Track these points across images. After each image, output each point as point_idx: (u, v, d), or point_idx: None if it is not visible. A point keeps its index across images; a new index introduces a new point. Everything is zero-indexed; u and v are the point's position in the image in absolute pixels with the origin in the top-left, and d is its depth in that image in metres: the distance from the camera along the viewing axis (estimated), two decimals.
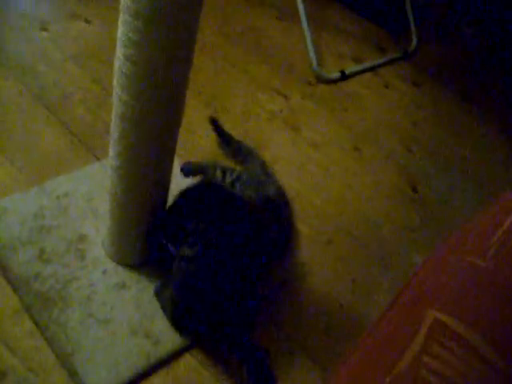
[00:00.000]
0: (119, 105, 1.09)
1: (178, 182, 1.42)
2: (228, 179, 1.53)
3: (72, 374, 1.18)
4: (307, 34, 2.30)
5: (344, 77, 2.34)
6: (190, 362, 1.28)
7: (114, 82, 1.09)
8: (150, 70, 1.02)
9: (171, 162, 1.25)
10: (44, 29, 2.05)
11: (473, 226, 0.92)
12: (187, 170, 1.65)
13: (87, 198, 1.49)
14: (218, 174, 1.56)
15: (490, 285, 0.75)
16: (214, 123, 1.80)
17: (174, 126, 1.17)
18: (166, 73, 1.04)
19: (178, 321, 1.29)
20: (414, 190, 1.95)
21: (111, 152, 1.19)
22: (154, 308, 1.32)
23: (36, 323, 1.24)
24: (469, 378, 0.63)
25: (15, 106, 1.72)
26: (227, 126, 1.87)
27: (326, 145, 1.99)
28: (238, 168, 1.67)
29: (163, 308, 1.31)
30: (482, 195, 2.00)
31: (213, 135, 1.82)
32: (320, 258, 1.61)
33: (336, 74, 2.32)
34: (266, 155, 1.83)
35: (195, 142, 1.81)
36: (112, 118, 1.14)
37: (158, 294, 1.33)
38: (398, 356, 0.65)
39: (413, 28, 2.73)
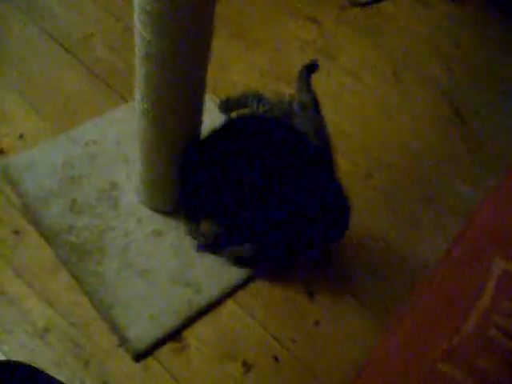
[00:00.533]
0: (142, 44, 1.01)
1: (214, 122, 1.34)
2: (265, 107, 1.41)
3: (113, 326, 1.16)
4: None
5: None
6: (232, 309, 1.25)
7: (135, 20, 1.00)
8: (172, 4, 0.93)
9: (202, 100, 1.18)
10: None
11: None
12: (225, 107, 1.54)
13: (116, 142, 1.43)
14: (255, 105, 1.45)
15: None
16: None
17: (202, 62, 1.09)
18: (191, 6, 0.94)
19: None
20: (458, 115, 1.83)
21: (137, 94, 1.12)
22: (193, 255, 1.27)
23: (74, 276, 1.21)
24: None
25: (34, 51, 1.64)
26: (259, 60, 1.77)
27: (362, 72, 1.87)
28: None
29: None
30: None
31: (246, 70, 1.72)
32: (360, 193, 1.53)
33: None
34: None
35: (229, 78, 1.72)
36: (136, 59, 1.06)
37: None
38: (465, 314, 0.59)
39: None
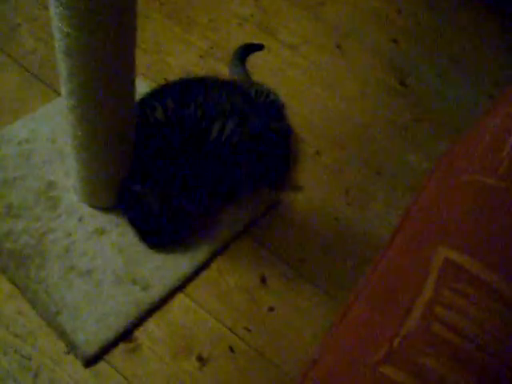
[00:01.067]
0: (61, 38, 0.95)
1: None
2: None
3: (60, 333, 1.11)
4: None
5: None
6: (184, 302, 1.21)
7: (52, 13, 0.94)
8: None
9: (132, 91, 1.12)
10: None
11: (476, 134, 0.80)
12: None
13: (51, 139, 1.36)
14: None
15: (504, 208, 0.65)
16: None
17: (128, 51, 1.03)
18: None
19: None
20: (403, 83, 1.82)
21: (63, 91, 1.06)
22: (138, 251, 1.23)
23: (15, 284, 1.16)
24: (488, 327, 0.54)
25: None
26: (195, 38, 1.71)
27: (304, 46, 1.83)
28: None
29: None
30: (475, 82, 1.87)
31: (183, 52, 1.67)
32: (309, 172, 1.51)
33: None
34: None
35: (165, 61, 1.65)
36: (56, 53, 1.00)
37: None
38: (407, 309, 0.57)
39: None
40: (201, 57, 1.68)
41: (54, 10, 0.92)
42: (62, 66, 0.99)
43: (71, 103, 1.05)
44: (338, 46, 1.86)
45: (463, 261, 0.59)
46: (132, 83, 1.09)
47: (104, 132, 1.10)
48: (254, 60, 1.73)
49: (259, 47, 1.74)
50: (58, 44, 0.96)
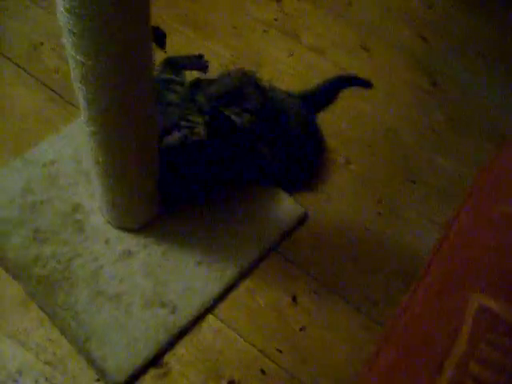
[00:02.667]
0: (76, 67, 0.93)
1: None
2: None
3: (90, 360, 1.10)
4: None
5: None
6: (213, 324, 1.20)
7: (64, 41, 0.92)
8: (99, 23, 0.85)
9: (153, 112, 1.10)
10: None
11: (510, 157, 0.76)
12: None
13: (76, 160, 1.35)
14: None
15: None
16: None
17: (146, 75, 1.01)
18: (119, 22, 0.86)
19: None
20: (433, 83, 1.76)
21: (83, 117, 1.04)
22: (166, 272, 1.22)
23: (44, 311, 1.16)
24: None
25: None
26: (219, 49, 1.68)
27: (330, 49, 1.79)
28: None
29: None
30: (509, 80, 1.80)
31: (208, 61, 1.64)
32: (339, 182, 1.47)
33: None
34: (265, 72, 1.65)
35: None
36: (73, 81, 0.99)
37: None
38: (440, 363, 0.53)
39: None
40: (225, 67, 1.65)
41: (66, 40, 0.90)
42: (80, 94, 0.98)
43: (91, 129, 1.03)
44: (365, 48, 1.81)
45: (498, 308, 0.55)
46: (153, 106, 1.07)
47: (126, 157, 1.08)
48: (279, 66, 1.69)
49: (366, 84, 1.70)
50: (74, 72, 0.95)
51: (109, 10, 0.83)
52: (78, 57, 0.90)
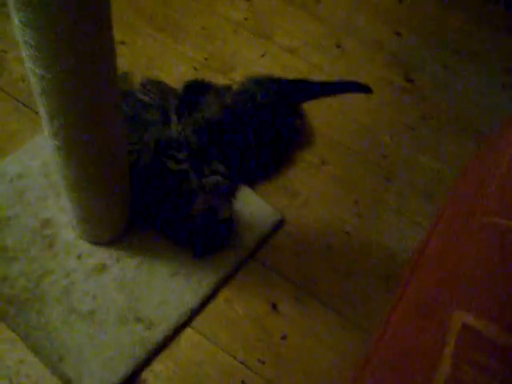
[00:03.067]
0: (36, 80, 0.89)
1: None
2: None
3: (65, 381, 1.07)
4: None
5: None
6: (192, 338, 1.16)
7: (23, 54, 0.88)
8: (56, 35, 0.81)
9: (120, 124, 1.06)
10: None
11: (491, 164, 0.73)
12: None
13: (44, 173, 1.31)
14: None
15: None
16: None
17: (110, 85, 0.97)
18: (78, 33, 0.82)
19: None
20: (408, 79, 1.73)
21: (46, 131, 1.00)
22: (140, 286, 1.18)
23: (15, 332, 1.12)
24: None
25: None
26: (188, 49, 1.65)
27: (303, 48, 1.76)
28: None
29: None
30: (485, 72, 1.78)
31: (176, 65, 1.60)
32: (315, 184, 1.44)
33: None
34: (238, 74, 1.62)
35: (158, 76, 1.58)
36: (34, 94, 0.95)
37: None
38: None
39: None
40: (195, 69, 1.62)
41: (24, 52, 0.86)
42: (41, 108, 0.94)
43: (56, 144, 0.99)
44: (338, 45, 1.78)
45: (482, 326, 0.52)
46: (118, 116, 1.03)
47: (94, 171, 1.04)
48: (252, 67, 1.66)
49: (367, 89, 1.68)
50: (34, 86, 0.90)
51: (66, 21, 0.79)
52: (36, 70, 0.86)
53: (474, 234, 0.62)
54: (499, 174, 0.67)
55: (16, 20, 0.81)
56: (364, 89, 1.66)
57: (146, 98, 1.38)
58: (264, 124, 1.42)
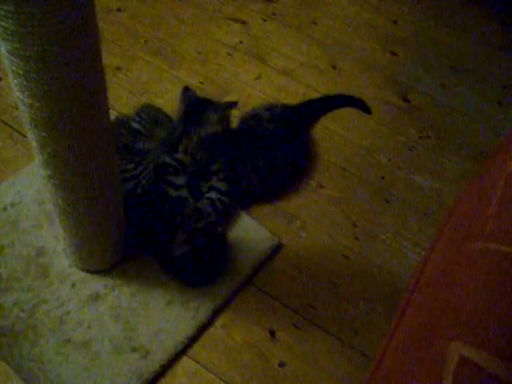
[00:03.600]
0: (25, 110, 0.88)
1: None
2: None
3: None
4: None
5: None
6: (188, 366, 1.14)
7: (12, 84, 0.87)
8: (44, 64, 0.80)
9: (112, 152, 1.05)
10: None
11: (487, 186, 0.72)
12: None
13: (38, 201, 1.30)
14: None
15: None
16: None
17: (101, 114, 0.96)
18: (67, 62, 0.82)
19: None
20: (405, 99, 1.73)
21: (37, 159, 0.99)
22: (135, 314, 1.16)
23: (8, 363, 1.09)
24: None
25: None
26: (184, 74, 1.64)
27: (299, 70, 1.76)
28: None
29: None
30: (481, 89, 1.78)
31: (172, 90, 1.60)
32: (313, 207, 1.42)
33: None
34: (232, 98, 1.62)
35: (154, 102, 1.58)
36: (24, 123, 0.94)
37: None
38: None
39: None
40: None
41: (12, 81, 0.85)
42: (31, 137, 0.93)
43: (47, 173, 0.98)
44: (334, 66, 1.78)
45: (481, 359, 0.50)
46: (110, 144, 1.02)
47: (86, 199, 1.03)
48: (247, 90, 1.65)
49: (365, 109, 1.68)
50: (23, 114, 0.90)
51: (54, 50, 0.79)
52: (25, 99, 0.86)
53: (472, 259, 0.60)
54: (497, 195, 0.65)
55: (3, 49, 0.80)
56: (363, 106, 1.66)
57: (140, 127, 1.37)
58: (273, 147, 1.40)
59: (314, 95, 1.67)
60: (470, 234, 0.64)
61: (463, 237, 0.64)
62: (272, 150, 1.39)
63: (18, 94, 0.86)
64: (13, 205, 1.28)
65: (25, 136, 1.44)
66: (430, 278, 0.65)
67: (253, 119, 1.47)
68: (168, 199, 1.25)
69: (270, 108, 1.52)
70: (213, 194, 1.31)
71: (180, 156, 1.30)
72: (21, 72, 0.82)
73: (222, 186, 1.32)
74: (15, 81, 0.84)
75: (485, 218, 0.64)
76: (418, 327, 0.59)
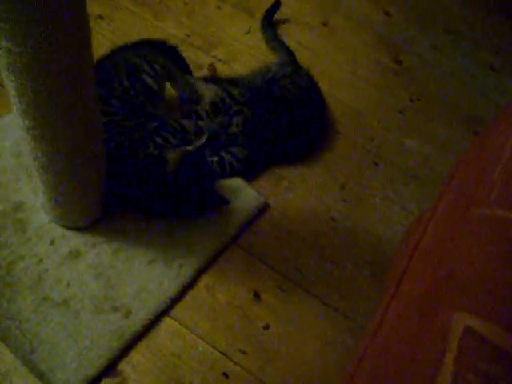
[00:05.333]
0: (3, 55, 0.82)
1: None
2: None
3: (37, 373, 1.01)
4: None
5: None
6: (171, 327, 1.11)
7: None
8: (23, 4, 0.74)
9: (94, 104, 1.00)
10: None
11: (492, 150, 0.68)
12: None
13: (16, 154, 1.24)
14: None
15: None
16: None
17: (84, 61, 0.90)
18: (47, 3, 0.76)
19: None
20: (397, 60, 1.69)
21: (15, 110, 0.93)
22: (117, 273, 1.13)
23: None
24: None
25: None
26: (169, 26, 1.58)
27: (288, 25, 1.70)
28: None
29: None
30: (473, 53, 1.74)
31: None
32: (300, 167, 1.39)
33: None
34: (220, 53, 1.56)
35: None
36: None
37: None
38: None
39: None
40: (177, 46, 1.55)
41: None
42: (9, 85, 0.87)
43: (26, 124, 0.93)
44: (325, 24, 1.72)
45: (486, 330, 0.48)
46: (92, 95, 0.97)
47: (67, 152, 0.98)
48: (235, 45, 1.60)
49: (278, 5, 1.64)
50: (0, 60, 0.84)
51: None
52: (3, 43, 0.80)
53: (476, 226, 0.57)
54: (501, 162, 0.62)
55: None
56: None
57: (152, 82, 1.30)
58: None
59: (304, 52, 1.62)
60: (474, 201, 0.61)
61: (466, 204, 0.61)
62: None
63: None
64: None
65: (1, 85, 1.37)
66: (429, 246, 0.62)
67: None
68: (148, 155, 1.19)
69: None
70: (228, 156, 1.27)
71: (185, 122, 1.26)
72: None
73: (240, 152, 1.28)
74: None
75: (490, 184, 0.61)
76: (420, 296, 0.57)
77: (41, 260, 1.12)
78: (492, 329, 0.48)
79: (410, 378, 0.48)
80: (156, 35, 1.53)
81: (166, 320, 1.12)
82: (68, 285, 1.10)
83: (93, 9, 1.57)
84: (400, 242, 1.08)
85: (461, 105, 1.59)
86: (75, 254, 1.13)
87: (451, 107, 1.59)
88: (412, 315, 0.55)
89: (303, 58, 1.60)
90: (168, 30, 1.58)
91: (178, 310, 1.13)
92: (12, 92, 0.88)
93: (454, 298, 0.52)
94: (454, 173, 0.71)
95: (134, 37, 1.52)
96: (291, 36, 1.65)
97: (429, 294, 0.55)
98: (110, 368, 1.05)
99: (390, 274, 0.68)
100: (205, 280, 1.17)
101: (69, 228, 1.16)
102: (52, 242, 1.14)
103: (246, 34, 1.64)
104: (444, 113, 1.57)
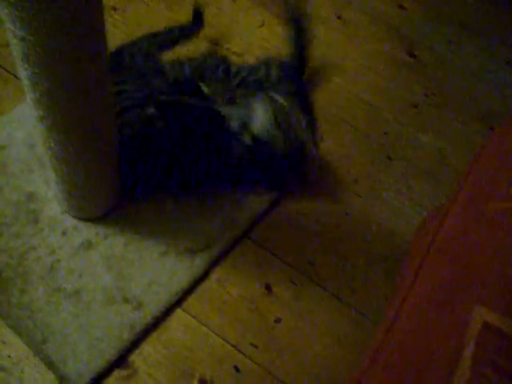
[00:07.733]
0: (17, 44, 0.82)
1: None
2: None
3: (49, 363, 1.01)
4: None
5: None
6: (182, 319, 1.11)
7: (2, 15, 0.81)
8: None
9: (107, 93, 0.99)
10: None
11: (507, 150, 0.68)
12: None
13: (29, 144, 1.24)
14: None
15: None
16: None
17: (98, 51, 0.90)
18: None
19: None
20: (412, 54, 1.67)
21: (28, 99, 0.93)
22: (129, 264, 1.12)
23: None
24: None
25: None
26: (182, 18, 1.57)
27: (303, 18, 1.68)
28: None
29: None
30: (490, 49, 1.72)
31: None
32: (313, 161, 1.38)
33: None
34: (233, 45, 1.55)
35: None
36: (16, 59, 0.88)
37: None
38: None
39: None
40: (189, 38, 1.54)
41: (2, 11, 0.79)
42: (23, 74, 0.87)
43: (39, 113, 0.92)
44: (339, 17, 1.71)
45: (506, 325, 0.47)
46: (106, 84, 0.96)
47: (80, 143, 0.98)
48: (249, 38, 1.59)
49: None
50: (14, 49, 0.83)
51: None
52: (17, 31, 0.79)
53: (495, 220, 0.56)
54: None
55: None
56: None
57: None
58: None
59: (319, 47, 1.60)
60: (493, 195, 0.60)
61: (485, 197, 0.60)
62: None
63: (8, 25, 0.80)
64: (2, 147, 1.23)
65: (15, 76, 1.38)
66: (447, 240, 0.61)
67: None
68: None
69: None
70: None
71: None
72: (13, 0, 0.75)
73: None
74: (6, 10, 0.78)
75: (508, 178, 0.60)
76: (438, 289, 0.56)
77: (53, 251, 1.12)
78: (511, 324, 0.47)
79: (428, 372, 0.48)
80: (167, 24, 1.53)
81: (178, 312, 1.11)
82: (80, 276, 1.10)
83: (107, 0, 1.57)
84: (413, 236, 1.07)
85: (476, 100, 1.58)
86: (87, 245, 1.13)
87: (466, 102, 1.57)
88: (429, 310, 0.54)
89: (317, 51, 1.58)
90: (182, 21, 1.56)
91: (189, 303, 1.13)
92: (25, 81, 0.88)
93: (472, 292, 0.51)
94: (471, 168, 0.70)
95: (148, 28, 1.52)
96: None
97: (446, 289, 0.54)
98: (121, 359, 1.05)
99: (405, 269, 0.67)
100: (216, 273, 1.17)
101: (81, 219, 1.16)
102: (64, 233, 1.14)
103: (260, 26, 1.63)
104: (459, 108, 1.55)
